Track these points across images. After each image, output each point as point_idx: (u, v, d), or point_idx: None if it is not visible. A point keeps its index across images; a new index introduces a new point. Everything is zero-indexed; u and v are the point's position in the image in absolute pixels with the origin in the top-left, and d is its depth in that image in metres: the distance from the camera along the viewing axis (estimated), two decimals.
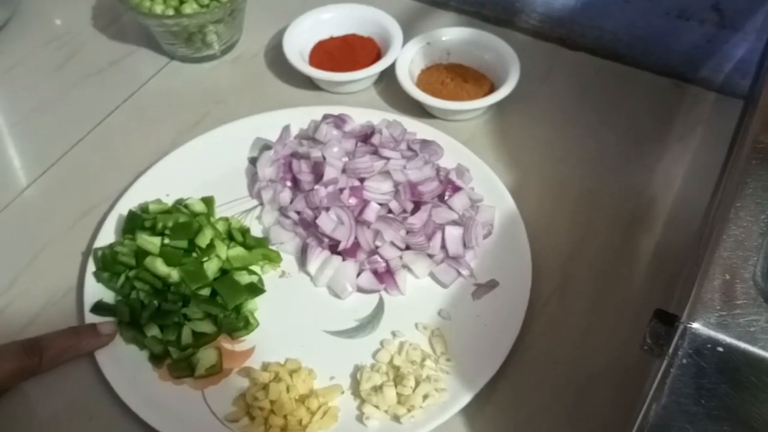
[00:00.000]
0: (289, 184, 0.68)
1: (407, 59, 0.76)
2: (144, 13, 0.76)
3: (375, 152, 0.68)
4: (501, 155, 0.73)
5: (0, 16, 0.85)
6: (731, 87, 0.78)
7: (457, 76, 0.77)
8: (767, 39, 0.72)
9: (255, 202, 0.69)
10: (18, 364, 0.56)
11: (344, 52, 0.79)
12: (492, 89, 0.75)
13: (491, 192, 0.68)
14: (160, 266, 0.60)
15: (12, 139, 0.77)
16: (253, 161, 0.71)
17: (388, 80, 0.78)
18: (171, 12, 0.76)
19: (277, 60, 0.81)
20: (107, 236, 0.65)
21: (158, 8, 0.76)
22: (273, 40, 0.84)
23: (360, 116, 0.72)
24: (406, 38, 0.78)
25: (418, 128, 0.72)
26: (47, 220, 0.69)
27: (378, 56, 0.79)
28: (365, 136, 0.69)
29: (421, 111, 0.76)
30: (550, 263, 0.65)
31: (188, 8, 0.76)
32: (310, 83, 0.79)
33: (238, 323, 0.60)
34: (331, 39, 0.81)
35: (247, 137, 0.73)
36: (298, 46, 0.79)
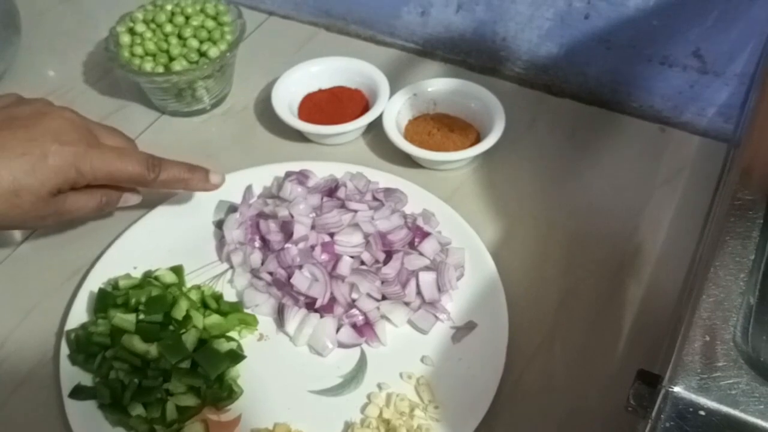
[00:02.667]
0: (258, 244, 0.68)
1: (394, 110, 0.77)
2: (134, 71, 0.77)
3: (342, 206, 0.68)
4: (489, 203, 0.73)
5: None
6: (715, 131, 0.79)
7: (444, 126, 0.78)
8: (749, 84, 0.73)
9: (224, 266, 0.68)
10: (138, 170, 0.63)
11: (333, 105, 0.80)
12: (478, 138, 0.76)
13: (457, 233, 0.68)
14: (137, 343, 0.59)
15: None
16: (218, 224, 0.71)
17: (376, 131, 0.79)
18: (161, 69, 0.77)
19: (266, 112, 0.82)
20: (79, 315, 0.64)
21: (148, 66, 0.77)
22: (263, 92, 0.85)
23: (322, 170, 0.73)
24: (394, 89, 0.79)
25: (381, 177, 0.73)
26: (37, 280, 0.69)
27: (366, 107, 0.80)
28: (330, 191, 0.70)
29: (409, 161, 0.76)
30: (539, 311, 0.65)
31: (177, 65, 0.77)
32: (299, 135, 0.80)
33: (222, 393, 0.59)
34: (320, 91, 0.82)
35: (210, 201, 0.72)
36: (286, 98, 0.80)
